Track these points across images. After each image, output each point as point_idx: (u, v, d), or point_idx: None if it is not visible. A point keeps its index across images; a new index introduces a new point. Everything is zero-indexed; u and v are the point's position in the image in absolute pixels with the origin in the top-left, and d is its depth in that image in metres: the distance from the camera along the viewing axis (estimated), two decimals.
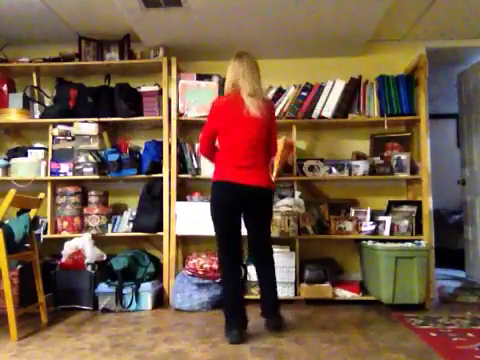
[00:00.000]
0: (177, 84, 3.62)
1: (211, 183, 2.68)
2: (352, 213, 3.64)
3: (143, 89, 3.72)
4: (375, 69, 3.75)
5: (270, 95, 3.68)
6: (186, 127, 3.88)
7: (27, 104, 3.82)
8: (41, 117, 3.78)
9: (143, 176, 3.63)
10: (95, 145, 3.66)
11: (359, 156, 3.72)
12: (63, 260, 3.43)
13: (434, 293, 3.61)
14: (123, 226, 3.71)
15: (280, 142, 3.41)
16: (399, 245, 3.24)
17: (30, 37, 3.84)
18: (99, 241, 3.57)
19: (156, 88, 3.70)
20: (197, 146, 3.69)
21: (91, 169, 3.63)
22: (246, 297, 3.24)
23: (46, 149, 3.76)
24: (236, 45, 3.59)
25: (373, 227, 3.51)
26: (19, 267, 3.24)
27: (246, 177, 2.58)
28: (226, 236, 2.67)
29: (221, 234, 2.68)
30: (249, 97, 2.60)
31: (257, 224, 2.73)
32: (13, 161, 3.74)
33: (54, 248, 3.57)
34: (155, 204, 3.60)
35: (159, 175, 3.59)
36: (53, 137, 3.73)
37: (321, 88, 3.64)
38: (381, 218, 3.57)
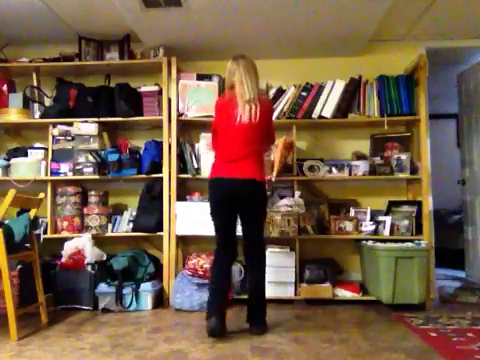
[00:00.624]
0: (177, 84, 3.62)
1: None
2: (352, 213, 3.64)
3: (143, 89, 3.72)
4: (375, 69, 3.75)
5: (270, 95, 3.68)
6: (186, 127, 3.88)
7: (27, 104, 3.82)
8: (41, 117, 3.78)
9: (143, 176, 3.63)
10: (95, 145, 3.66)
11: (359, 156, 3.72)
12: (63, 260, 3.43)
13: (434, 293, 3.61)
14: (123, 226, 3.71)
15: (280, 142, 3.42)
16: (399, 245, 3.24)
17: (30, 37, 3.84)
18: (99, 241, 3.57)
19: (156, 88, 3.70)
20: (197, 146, 3.71)
21: (91, 169, 3.64)
22: (244, 297, 3.25)
23: (46, 149, 3.76)
24: (236, 45, 3.60)
25: (373, 227, 3.51)
26: (19, 267, 3.25)
27: (234, 170, 2.66)
28: (220, 231, 2.78)
29: (216, 229, 2.79)
30: (245, 104, 2.67)
31: (247, 220, 2.74)
32: (13, 161, 3.74)
33: (54, 248, 3.57)
34: (155, 204, 3.60)
35: (159, 175, 3.59)
36: (53, 137, 3.73)
37: (321, 88, 3.64)
38: (381, 218, 3.57)
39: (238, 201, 2.67)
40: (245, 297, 3.21)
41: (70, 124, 3.68)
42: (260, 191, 2.73)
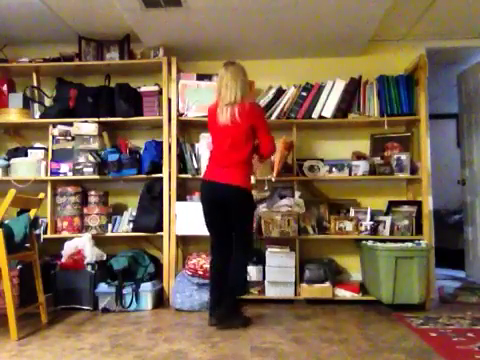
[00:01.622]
0: (177, 84, 3.62)
1: None
2: (352, 213, 3.64)
3: (143, 89, 3.72)
4: (375, 69, 3.74)
5: (270, 95, 3.67)
6: (186, 127, 3.88)
7: (27, 104, 3.81)
8: (41, 117, 3.78)
9: (143, 176, 3.63)
10: (95, 145, 3.66)
11: (359, 156, 3.72)
12: (63, 260, 3.43)
13: (434, 293, 3.61)
14: (123, 226, 3.71)
15: (280, 142, 3.42)
16: (399, 245, 3.24)
17: (30, 37, 3.84)
18: (99, 241, 3.57)
19: (156, 88, 3.70)
20: (197, 146, 3.71)
21: (91, 169, 3.63)
22: (245, 297, 3.26)
23: (46, 149, 3.76)
24: (236, 45, 3.61)
25: (373, 227, 3.51)
26: (19, 267, 3.24)
27: (221, 175, 2.78)
28: (211, 231, 2.93)
29: (208, 229, 2.93)
30: (225, 106, 2.78)
31: (233, 222, 2.84)
32: (13, 161, 3.74)
33: (54, 248, 3.57)
34: (155, 204, 3.60)
35: (159, 175, 3.59)
36: (53, 137, 3.73)
37: (321, 88, 3.63)
38: (381, 218, 3.57)
39: (223, 204, 2.79)
40: (247, 297, 3.25)
41: (70, 124, 3.68)
42: (243, 198, 2.82)
